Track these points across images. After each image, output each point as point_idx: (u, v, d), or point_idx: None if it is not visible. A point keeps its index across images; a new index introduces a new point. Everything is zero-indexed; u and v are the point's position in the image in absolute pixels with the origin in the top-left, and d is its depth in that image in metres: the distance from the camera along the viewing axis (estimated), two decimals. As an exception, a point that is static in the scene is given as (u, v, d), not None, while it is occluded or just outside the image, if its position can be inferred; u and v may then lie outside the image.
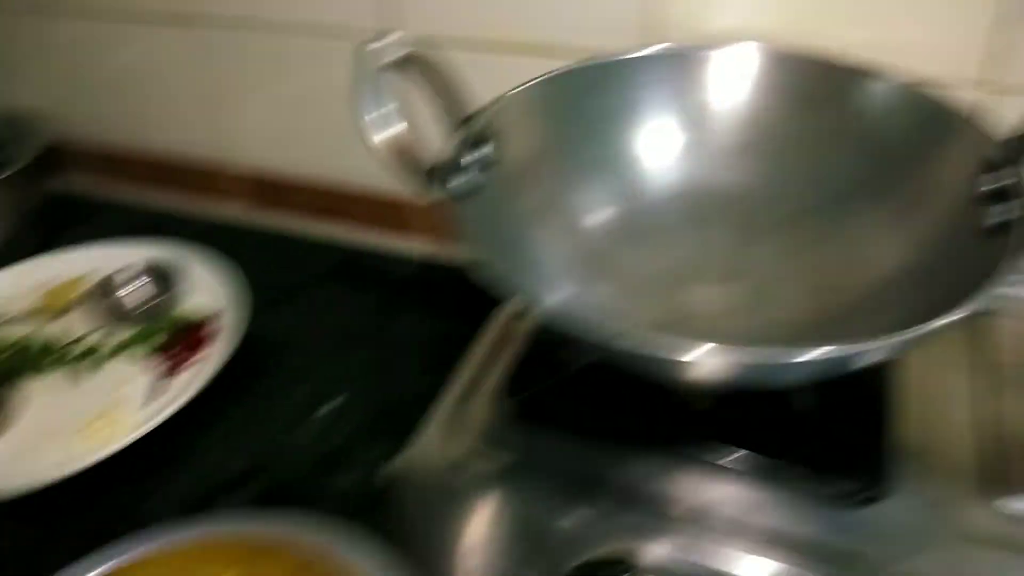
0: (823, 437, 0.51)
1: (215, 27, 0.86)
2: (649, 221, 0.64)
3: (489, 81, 0.60)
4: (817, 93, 0.61)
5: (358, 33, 0.53)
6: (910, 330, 0.41)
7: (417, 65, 0.59)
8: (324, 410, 0.70)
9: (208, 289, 0.82)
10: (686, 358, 0.41)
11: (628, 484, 0.51)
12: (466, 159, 0.58)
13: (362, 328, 0.80)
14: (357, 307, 0.84)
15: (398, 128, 0.54)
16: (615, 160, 0.65)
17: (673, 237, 0.64)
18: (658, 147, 0.65)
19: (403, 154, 0.55)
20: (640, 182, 0.65)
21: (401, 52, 0.57)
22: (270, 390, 0.73)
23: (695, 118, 0.65)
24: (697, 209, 0.65)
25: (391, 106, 0.53)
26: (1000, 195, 0.50)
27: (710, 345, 0.41)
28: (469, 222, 0.53)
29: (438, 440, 0.55)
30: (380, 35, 0.56)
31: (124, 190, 1.06)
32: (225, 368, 0.72)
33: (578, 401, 0.56)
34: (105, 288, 0.82)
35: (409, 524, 0.53)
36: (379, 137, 0.54)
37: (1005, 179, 0.50)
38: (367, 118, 0.53)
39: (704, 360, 0.42)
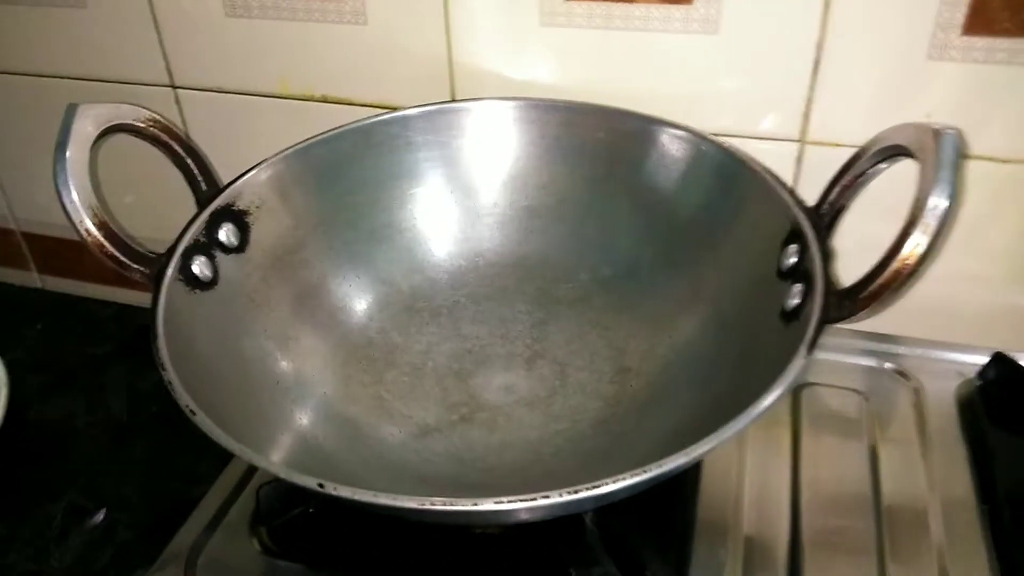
0: (615, 554, 0.45)
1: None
2: (434, 299, 0.58)
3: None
4: (609, 150, 0.55)
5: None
6: (699, 444, 0.35)
7: (152, 132, 0.50)
8: (86, 526, 0.61)
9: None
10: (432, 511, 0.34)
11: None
12: (207, 241, 0.49)
13: (150, 414, 0.71)
14: (149, 387, 0.74)
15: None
16: (389, 233, 0.57)
17: (463, 316, 0.57)
18: (437, 214, 0.58)
19: (116, 238, 0.46)
20: (421, 255, 0.58)
21: (124, 118, 0.48)
22: (33, 496, 0.64)
23: (475, 180, 0.58)
24: (488, 282, 0.58)
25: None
26: (801, 273, 0.44)
27: (440, 501, 0.33)
28: (199, 327, 0.45)
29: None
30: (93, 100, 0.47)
31: None
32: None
33: (329, 533, 0.48)
34: None
35: None
36: (84, 219, 0.45)
37: (807, 254, 0.44)
38: (69, 198, 0.44)
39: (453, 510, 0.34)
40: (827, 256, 0.43)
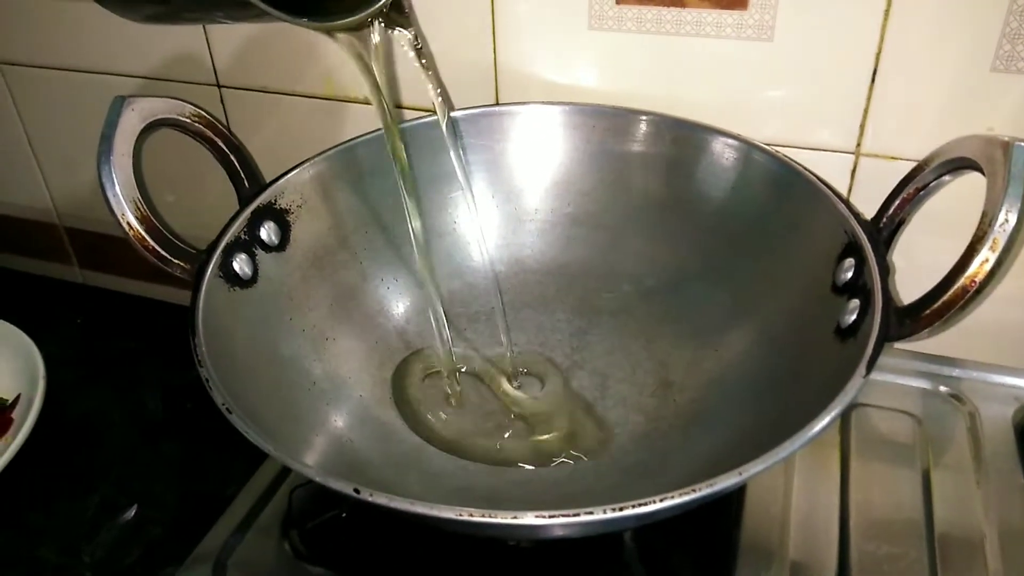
0: (653, 574, 0.43)
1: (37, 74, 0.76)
2: (472, 305, 0.56)
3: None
4: (656, 157, 0.54)
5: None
6: (751, 464, 0.34)
7: (197, 128, 0.50)
8: (117, 522, 0.61)
9: (14, 366, 0.71)
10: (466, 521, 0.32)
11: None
12: (249, 238, 0.48)
13: (184, 412, 0.71)
14: (184, 385, 0.74)
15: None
16: (428, 237, 0.56)
17: (501, 323, 0.55)
18: (479, 218, 0.57)
19: (158, 233, 0.45)
20: (460, 260, 0.57)
21: (170, 113, 0.48)
22: (65, 490, 0.64)
23: (517, 185, 0.57)
24: (528, 289, 0.57)
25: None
26: (858, 288, 0.42)
27: (478, 512, 0.32)
28: (240, 326, 0.44)
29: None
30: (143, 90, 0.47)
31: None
32: (19, 460, 0.62)
33: (361, 539, 0.47)
34: None
35: None
36: (127, 212, 0.44)
37: (864, 269, 0.42)
38: (112, 191, 0.44)
39: (489, 523, 0.33)
40: (886, 271, 0.42)
